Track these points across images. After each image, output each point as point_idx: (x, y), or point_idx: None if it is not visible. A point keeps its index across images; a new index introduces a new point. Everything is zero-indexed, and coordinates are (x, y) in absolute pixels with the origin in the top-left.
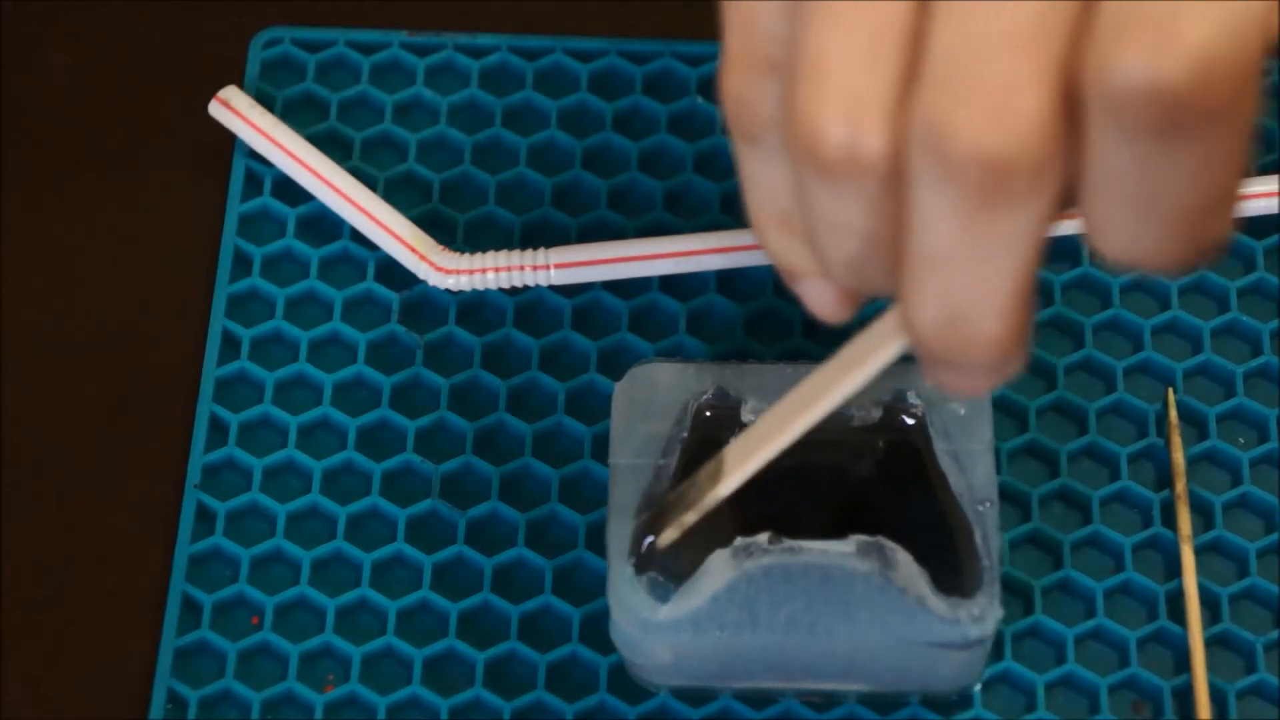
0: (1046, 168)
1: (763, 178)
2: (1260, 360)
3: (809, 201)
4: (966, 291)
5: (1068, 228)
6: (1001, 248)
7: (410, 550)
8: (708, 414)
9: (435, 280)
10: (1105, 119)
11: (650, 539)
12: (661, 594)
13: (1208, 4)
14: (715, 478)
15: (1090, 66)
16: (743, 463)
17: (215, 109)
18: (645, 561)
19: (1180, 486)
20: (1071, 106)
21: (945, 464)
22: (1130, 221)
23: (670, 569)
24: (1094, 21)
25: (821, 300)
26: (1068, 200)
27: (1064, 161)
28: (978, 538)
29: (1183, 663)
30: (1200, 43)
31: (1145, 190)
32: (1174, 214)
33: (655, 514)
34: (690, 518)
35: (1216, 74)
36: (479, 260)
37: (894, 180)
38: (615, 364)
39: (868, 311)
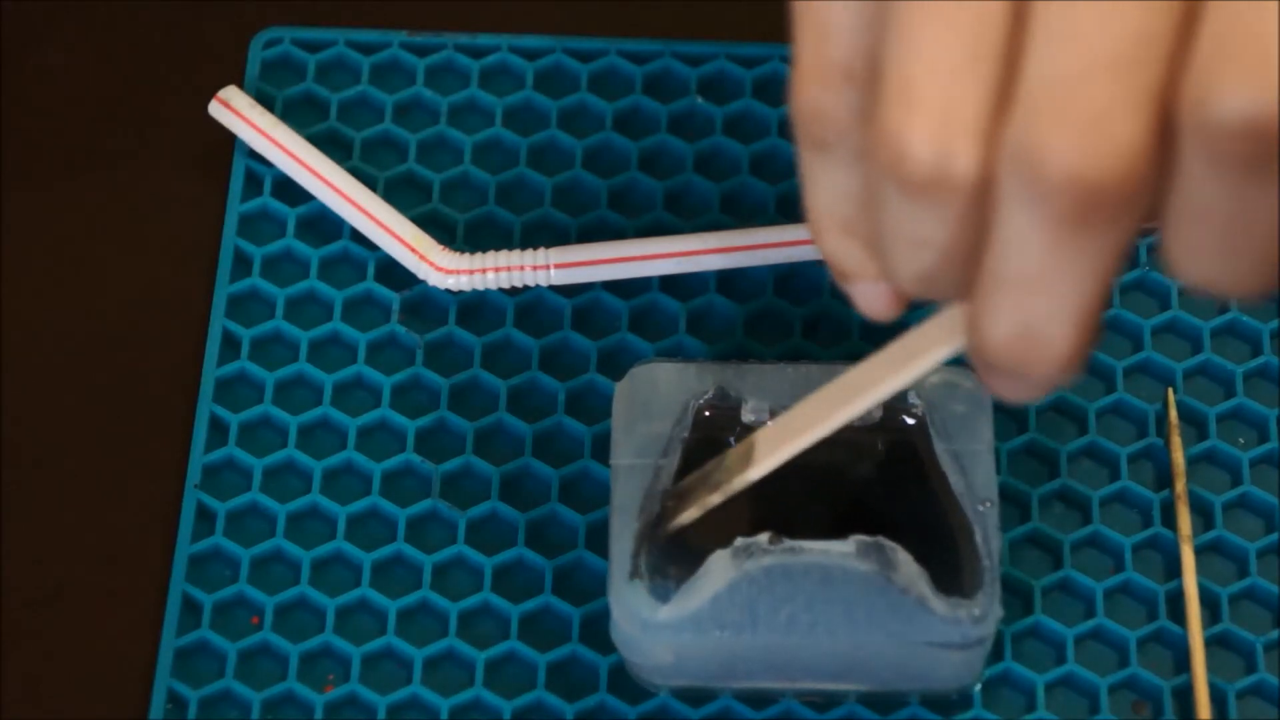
0: (1137, 194)
1: (828, 185)
2: (1260, 360)
3: (885, 214)
4: (1041, 310)
5: None
6: (1082, 269)
7: (410, 550)
8: (708, 414)
9: (435, 280)
10: (1199, 148)
11: (661, 527)
12: (662, 594)
13: None
14: (746, 461)
15: (1188, 96)
16: (776, 449)
17: (215, 109)
18: (653, 541)
19: (1180, 486)
20: (1163, 133)
21: (945, 464)
22: (1214, 250)
23: (670, 569)
24: (1193, 49)
25: (874, 302)
26: (1149, 220)
27: (1152, 188)
28: (978, 538)
29: (1183, 663)
30: None
31: (1233, 220)
32: (1259, 244)
33: (677, 494)
34: (715, 499)
35: None
36: (479, 260)
37: (979, 199)
38: (615, 364)
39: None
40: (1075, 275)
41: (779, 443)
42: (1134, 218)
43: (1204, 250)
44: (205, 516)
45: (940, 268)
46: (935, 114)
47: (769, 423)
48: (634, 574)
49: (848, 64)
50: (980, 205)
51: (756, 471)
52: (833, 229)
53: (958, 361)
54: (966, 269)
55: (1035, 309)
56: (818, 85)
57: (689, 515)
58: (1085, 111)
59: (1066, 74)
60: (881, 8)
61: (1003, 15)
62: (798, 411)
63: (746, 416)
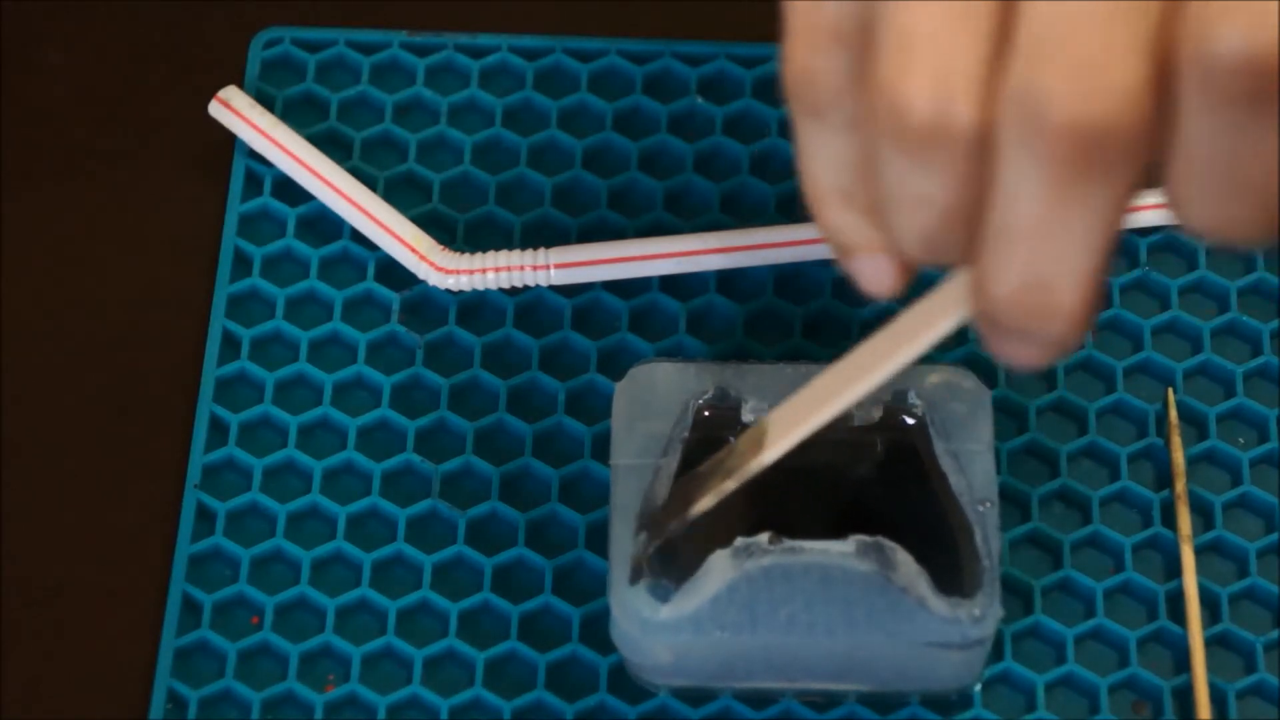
0: (1139, 138)
1: (825, 153)
2: (1260, 360)
3: (885, 175)
4: (1048, 262)
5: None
6: (1087, 219)
7: (410, 550)
8: (708, 414)
9: (435, 280)
10: (1199, 89)
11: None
12: (662, 594)
13: None
14: (759, 444)
15: (1186, 36)
16: (790, 430)
17: (215, 109)
18: (666, 535)
19: (1180, 486)
20: (1162, 78)
21: (945, 464)
22: (1218, 193)
23: (670, 569)
24: None
25: (877, 275)
26: (1151, 173)
27: (1153, 133)
28: (978, 538)
29: (1183, 663)
30: None
31: (1235, 162)
32: (1261, 185)
33: (688, 484)
34: (730, 485)
35: None
36: (479, 260)
37: (980, 151)
38: (615, 364)
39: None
40: (1080, 223)
41: (791, 424)
42: (1136, 164)
43: (1208, 194)
44: (205, 516)
45: (943, 227)
46: (932, 65)
47: (780, 405)
48: (639, 576)
49: (838, 26)
50: (981, 157)
51: (771, 454)
52: (831, 199)
53: (960, 362)
54: (969, 227)
55: (1041, 260)
56: (809, 49)
57: (704, 504)
58: (1084, 56)
59: (1064, 20)
60: None
61: None
62: (809, 392)
63: (746, 416)
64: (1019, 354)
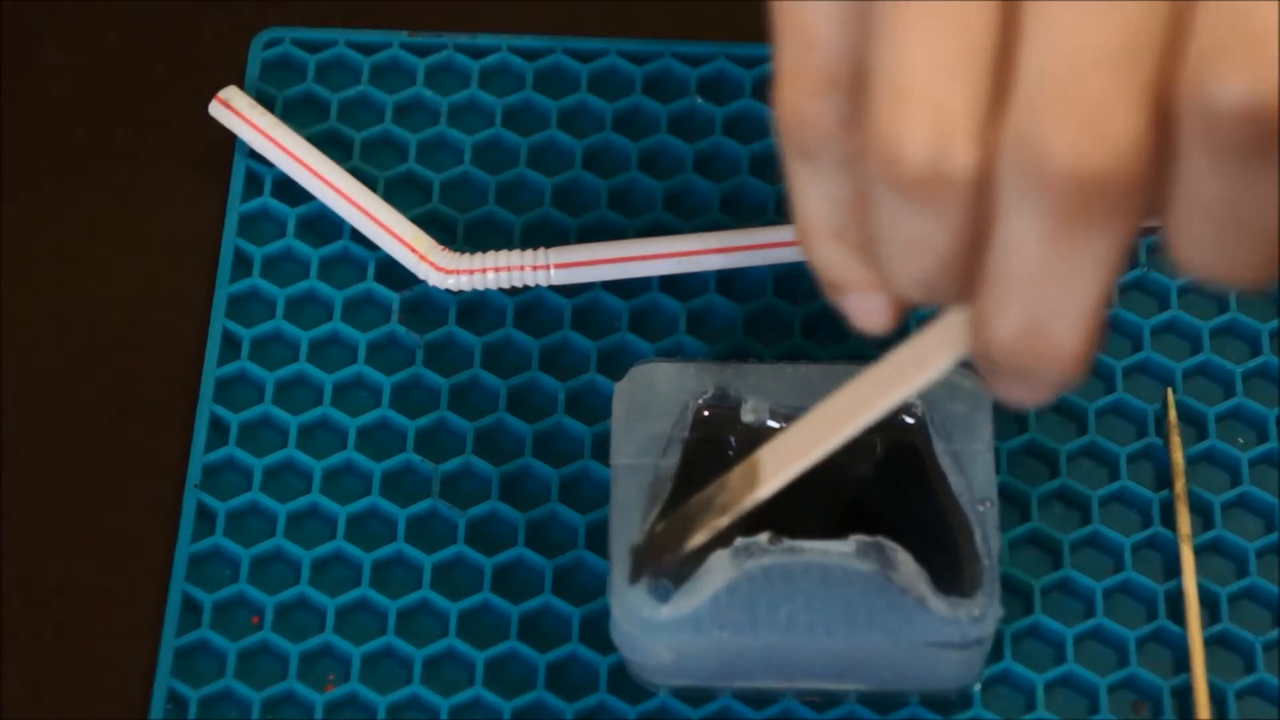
0: (1140, 186)
1: (817, 192)
2: (1259, 360)
3: (879, 218)
4: (1047, 307)
5: None
6: (1086, 264)
7: (410, 550)
8: (707, 414)
9: (435, 280)
10: (1199, 137)
11: (668, 556)
12: (662, 594)
13: None
14: (752, 481)
15: (1186, 84)
16: (783, 467)
17: (215, 109)
18: (653, 572)
19: (1180, 486)
20: (1162, 124)
21: (945, 464)
22: (1216, 239)
23: (671, 569)
24: (1190, 37)
25: (868, 313)
26: (1150, 213)
27: (1153, 179)
28: (977, 538)
29: (1182, 662)
30: None
31: (1234, 209)
32: (1261, 231)
33: (674, 522)
34: (724, 521)
35: None
36: (479, 260)
37: (977, 198)
38: (615, 364)
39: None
40: (1080, 270)
41: (785, 460)
42: (1135, 211)
43: (1207, 241)
44: (205, 516)
45: (939, 271)
46: (929, 111)
47: (772, 440)
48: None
49: (831, 69)
50: (978, 204)
51: (765, 490)
52: (823, 237)
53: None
54: (966, 271)
55: (1040, 306)
56: (801, 92)
57: (698, 539)
58: (1084, 104)
59: (1063, 67)
60: (865, 8)
61: (993, 11)
62: (803, 426)
63: (746, 416)
64: (1018, 394)
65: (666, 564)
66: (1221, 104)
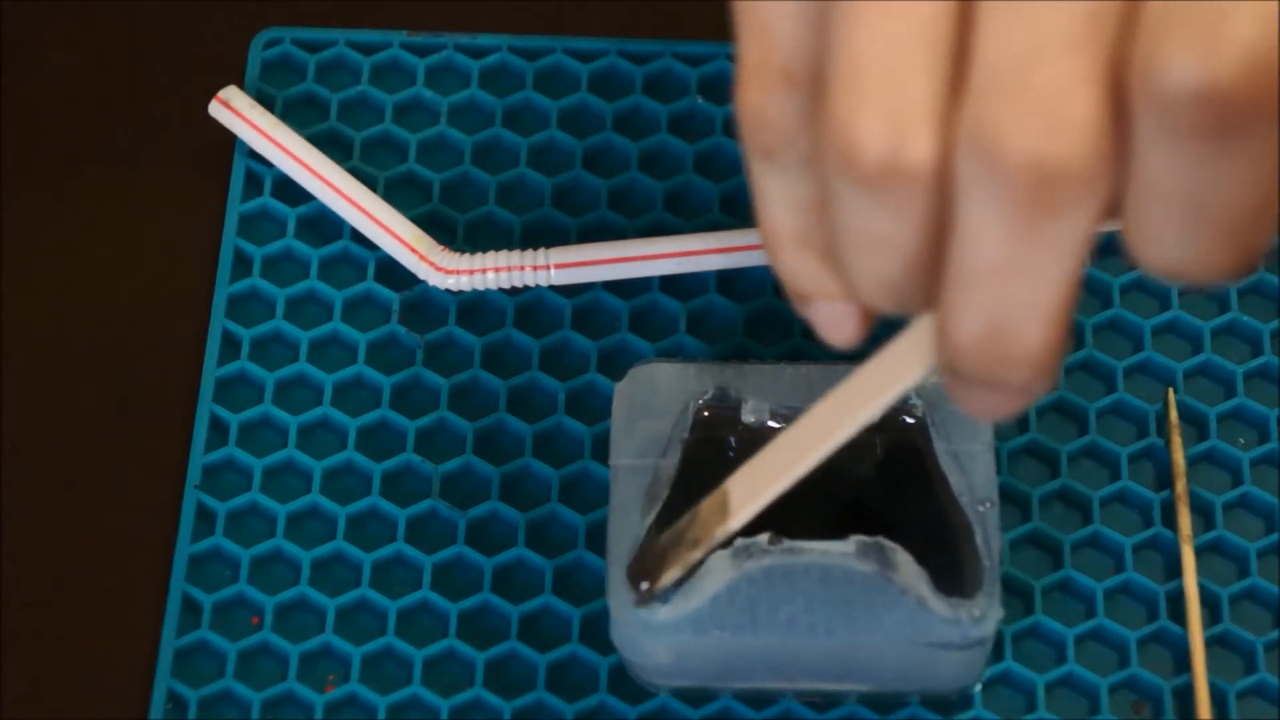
0: (1098, 174)
1: (780, 195)
2: (1260, 360)
3: (841, 217)
4: (1011, 303)
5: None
6: (1049, 257)
7: (410, 550)
8: (707, 414)
9: (435, 280)
10: (1153, 121)
11: (645, 585)
12: (662, 594)
13: (1255, 2)
14: (723, 513)
15: (1137, 68)
16: (753, 497)
17: (215, 109)
18: (641, 600)
19: (1180, 486)
20: (1119, 111)
21: (945, 464)
22: (1177, 228)
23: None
24: (1140, 22)
25: (835, 323)
26: (1111, 209)
27: (1113, 167)
28: (978, 538)
29: (1183, 663)
30: (1250, 41)
31: (1192, 194)
32: (1222, 219)
33: (647, 554)
34: (696, 554)
35: (1266, 72)
36: (479, 260)
37: (936, 190)
38: (615, 364)
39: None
40: (1042, 263)
41: (754, 490)
42: (1097, 200)
43: (1167, 230)
44: (205, 516)
45: (901, 271)
46: (885, 102)
47: (740, 469)
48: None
49: (791, 66)
50: (938, 197)
51: (736, 522)
52: (787, 243)
53: None
54: (929, 272)
55: (1003, 304)
56: (760, 90)
57: (670, 575)
58: (1039, 92)
59: (1018, 56)
60: (824, 6)
61: (948, 3)
62: (770, 454)
63: (746, 416)
64: (986, 405)
65: (642, 597)
66: (1172, 85)
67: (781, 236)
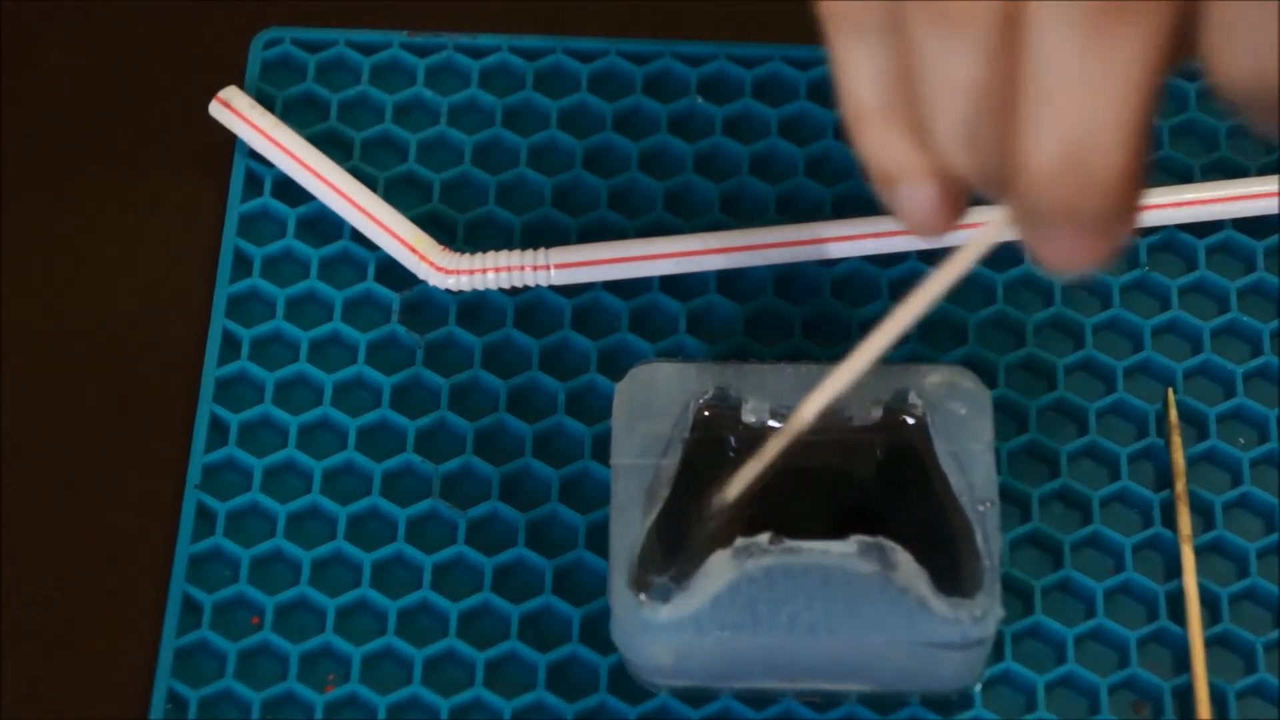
0: None
1: (862, 66)
2: (1260, 360)
3: (919, 63)
4: (1086, 120)
5: None
6: (1120, 70)
7: (410, 550)
8: (707, 414)
9: (435, 280)
10: None
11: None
12: (662, 594)
13: None
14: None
15: None
16: (835, 381)
17: (215, 109)
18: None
19: (1180, 486)
20: None
21: (945, 464)
22: (1250, 29)
23: (670, 570)
24: None
25: (921, 206)
26: (1183, 45)
27: None
28: (978, 538)
29: (1183, 663)
30: None
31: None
32: None
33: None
34: (774, 448)
35: None
36: (479, 260)
37: (1010, 25)
38: (615, 364)
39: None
40: (1114, 77)
41: (831, 384)
42: (1164, 14)
43: (1240, 32)
44: (205, 516)
45: (979, 113)
46: None
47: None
48: (640, 584)
49: None
50: (1010, 28)
51: (812, 407)
52: (871, 117)
53: (960, 362)
54: (1006, 113)
55: (1078, 119)
56: None
57: (737, 487)
58: None
59: None
60: None
61: None
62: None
63: (746, 416)
64: (1067, 250)
65: (716, 514)
66: None
67: (867, 113)
